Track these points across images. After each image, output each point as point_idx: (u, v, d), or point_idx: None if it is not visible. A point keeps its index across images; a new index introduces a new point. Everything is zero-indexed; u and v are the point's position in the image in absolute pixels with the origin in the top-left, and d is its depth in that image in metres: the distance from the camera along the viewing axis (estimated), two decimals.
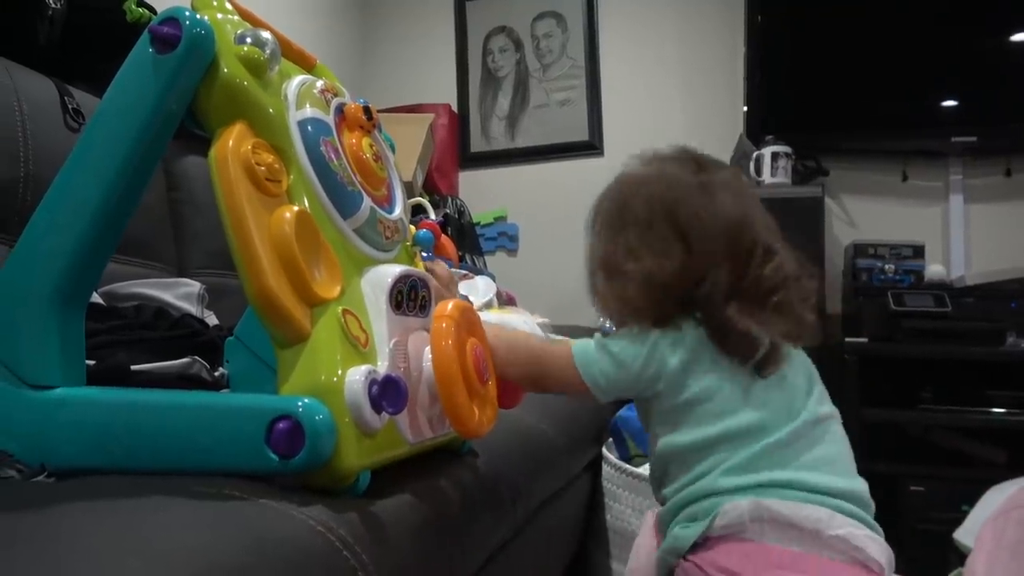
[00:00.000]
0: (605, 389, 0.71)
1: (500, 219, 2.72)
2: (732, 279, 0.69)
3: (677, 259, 0.70)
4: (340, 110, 0.64)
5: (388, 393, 0.51)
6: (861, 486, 0.68)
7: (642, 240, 0.72)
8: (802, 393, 0.71)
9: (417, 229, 0.73)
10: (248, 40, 0.55)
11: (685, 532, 0.67)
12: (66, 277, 0.54)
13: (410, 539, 0.53)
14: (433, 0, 2.82)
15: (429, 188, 2.48)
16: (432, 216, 1.65)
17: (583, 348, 0.72)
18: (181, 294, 1.01)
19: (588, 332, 1.66)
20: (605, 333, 0.75)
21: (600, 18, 2.65)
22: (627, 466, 1.24)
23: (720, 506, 0.64)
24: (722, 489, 0.65)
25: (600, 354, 0.71)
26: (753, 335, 0.67)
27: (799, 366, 0.73)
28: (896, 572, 0.66)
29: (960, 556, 1.20)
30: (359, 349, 0.53)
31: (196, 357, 0.75)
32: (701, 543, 0.65)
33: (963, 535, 1.28)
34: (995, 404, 1.79)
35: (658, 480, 0.74)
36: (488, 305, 1.40)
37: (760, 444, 0.66)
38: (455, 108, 2.75)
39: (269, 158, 0.54)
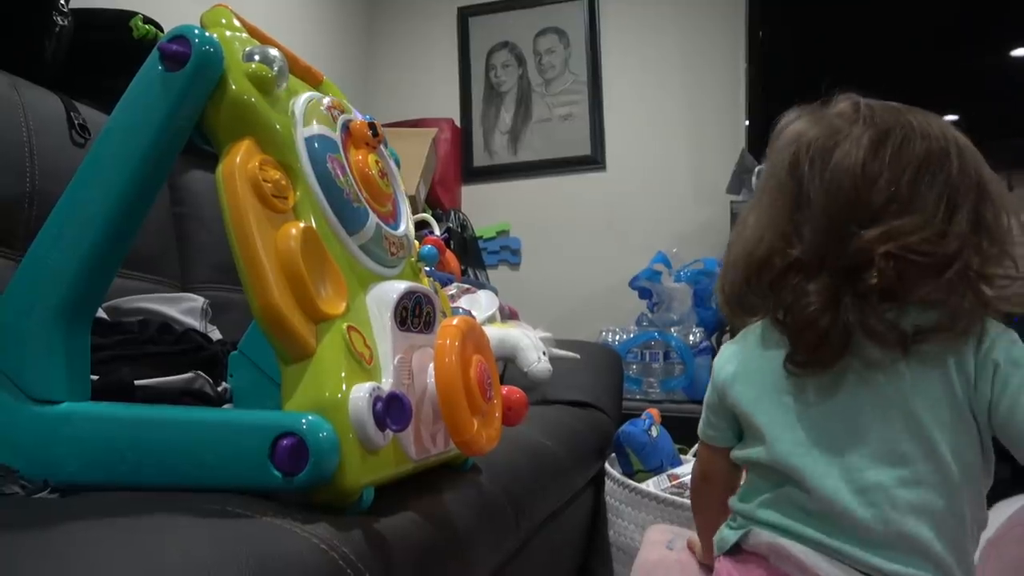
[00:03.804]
0: None
1: (503, 233, 2.73)
2: None
3: None
4: (346, 127, 0.64)
5: (392, 410, 0.51)
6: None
7: None
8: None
9: (421, 245, 0.74)
10: (256, 57, 0.56)
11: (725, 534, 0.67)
12: (72, 292, 0.54)
13: (413, 556, 0.53)
14: (436, 16, 2.84)
15: (432, 202, 2.49)
16: (436, 232, 1.65)
17: None
18: (185, 309, 1.01)
19: (589, 345, 1.66)
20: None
21: (602, 34, 2.67)
22: (630, 481, 1.23)
23: (750, 527, 0.64)
24: (758, 518, 0.65)
25: None
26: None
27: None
28: None
29: None
30: (363, 366, 0.53)
31: (199, 372, 0.75)
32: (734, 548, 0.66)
33: None
34: None
35: None
36: (491, 319, 1.40)
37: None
38: (458, 123, 2.76)
39: (276, 174, 0.55)
